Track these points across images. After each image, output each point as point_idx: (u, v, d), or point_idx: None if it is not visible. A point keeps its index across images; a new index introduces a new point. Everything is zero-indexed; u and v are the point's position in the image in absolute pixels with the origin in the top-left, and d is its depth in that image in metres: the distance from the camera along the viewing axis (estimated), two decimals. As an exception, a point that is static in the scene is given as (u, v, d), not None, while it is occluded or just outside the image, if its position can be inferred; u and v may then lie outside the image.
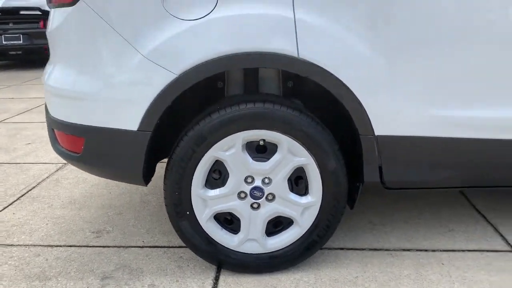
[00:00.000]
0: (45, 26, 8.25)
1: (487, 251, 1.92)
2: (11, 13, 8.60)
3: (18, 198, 2.59)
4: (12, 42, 8.46)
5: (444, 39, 1.55)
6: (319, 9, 1.52)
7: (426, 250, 1.93)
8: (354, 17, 1.52)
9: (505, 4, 1.53)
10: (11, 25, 8.52)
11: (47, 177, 2.90)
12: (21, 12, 8.54)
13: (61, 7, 1.62)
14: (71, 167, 3.03)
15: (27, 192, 2.68)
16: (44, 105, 3.04)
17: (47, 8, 8.59)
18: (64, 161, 3.11)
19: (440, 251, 1.92)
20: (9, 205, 2.50)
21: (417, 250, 1.93)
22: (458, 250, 1.92)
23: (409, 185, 1.79)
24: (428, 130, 1.64)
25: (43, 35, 8.22)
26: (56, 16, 1.68)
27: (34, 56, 8.87)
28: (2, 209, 2.44)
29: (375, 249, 1.94)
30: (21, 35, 8.45)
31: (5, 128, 4.24)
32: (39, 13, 8.45)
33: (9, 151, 3.50)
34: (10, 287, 1.74)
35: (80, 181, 2.79)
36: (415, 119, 1.62)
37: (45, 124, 3.62)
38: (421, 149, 1.67)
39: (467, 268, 1.79)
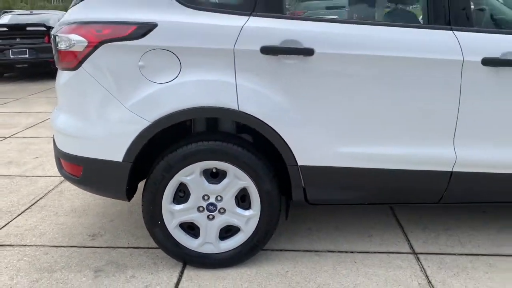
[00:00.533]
0: (49, 41, 8.84)
1: (393, 253, 2.48)
2: (18, 29, 9.23)
3: (29, 207, 3.16)
4: (19, 56, 9.07)
5: (343, 100, 2.12)
6: (252, 77, 2.09)
7: (346, 252, 2.49)
8: (275, 84, 2.10)
9: (379, 77, 2.10)
10: (18, 40, 9.13)
11: (52, 189, 3.48)
12: (28, 28, 9.16)
13: (66, 70, 2.20)
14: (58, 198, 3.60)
15: (36, 202, 3.25)
16: (49, 121, 3.60)
17: (51, 24, 9.21)
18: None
19: (357, 252, 2.49)
20: (22, 212, 3.08)
21: (339, 251, 2.50)
22: (371, 252, 2.49)
23: (327, 202, 2.37)
24: (336, 162, 2.21)
25: (48, 50, 8.83)
26: (63, 75, 2.25)
27: (40, 69, 9.47)
28: (17, 216, 3.02)
29: (307, 250, 2.51)
30: (27, 50, 9.06)
31: (15, 142, 4.82)
32: (44, 29, 9.07)
33: (20, 165, 4.08)
34: (26, 277, 2.31)
35: (80, 193, 3.36)
36: (327, 154, 2.19)
37: (51, 138, 4.17)
38: (333, 176, 2.24)
39: (372, 266, 2.35)
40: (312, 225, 2.81)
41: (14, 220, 2.97)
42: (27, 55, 9.06)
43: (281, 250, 2.53)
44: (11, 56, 9.08)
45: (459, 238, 2.62)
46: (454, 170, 2.25)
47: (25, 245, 2.64)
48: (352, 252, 2.49)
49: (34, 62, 9.11)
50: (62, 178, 3.65)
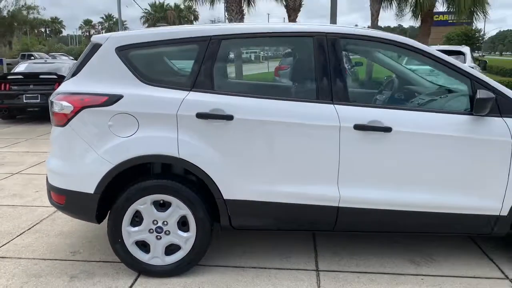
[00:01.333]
0: (59, 88, 9.82)
1: (301, 269, 3.20)
2: (32, 77, 10.30)
3: (26, 230, 3.94)
4: (31, 101, 10.09)
5: (254, 152, 2.93)
6: (190, 134, 2.91)
7: (265, 268, 3.22)
8: (206, 139, 2.92)
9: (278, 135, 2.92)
10: (31, 86, 10.18)
11: (47, 217, 4.26)
12: (40, 76, 10.23)
13: (58, 126, 3.05)
14: (50, 224, 4.38)
15: (33, 226, 4.04)
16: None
17: (62, 73, 10.28)
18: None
19: (274, 268, 3.22)
20: (20, 234, 3.86)
21: (260, 267, 3.23)
22: (284, 269, 3.22)
23: (248, 228, 3.13)
24: (251, 197, 2.98)
25: (57, 96, 9.80)
26: (56, 130, 3.10)
27: (49, 113, 10.44)
28: (16, 237, 3.80)
29: (236, 266, 3.25)
30: (39, 95, 10.08)
31: (21, 178, 5.66)
32: (55, 77, 10.10)
33: (23, 197, 4.89)
34: (19, 280, 3.07)
35: (69, 220, 4.13)
36: (244, 191, 2.98)
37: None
38: (249, 207, 3.01)
39: (281, 279, 3.07)
40: (247, 246, 3.54)
41: (14, 239, 3.75)
42: (39, 100, 10.05)
43: (215, 265, 3.26)
44: (24, 101, 10.10)
45: (356, 261, 3.33)
46: (340, 205, 3.01)
47: (20, 258, 3.41)
48: (270, 268, 3.22)
49: (44, 106, 10.07)
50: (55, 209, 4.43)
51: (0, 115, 10.55)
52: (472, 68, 9.94)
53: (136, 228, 3.05)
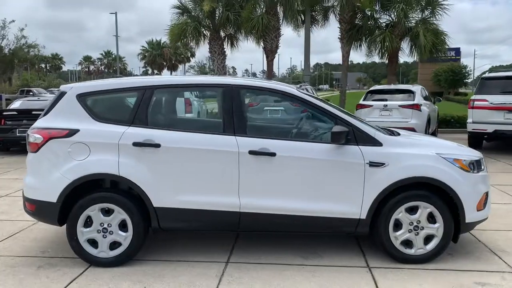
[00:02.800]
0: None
1: (212, 262, 4.19)
2: (25, 113, 11.45)
3: (7, 237, 4.93)
4: (24, 134, 11.15)
5: (176, 170, 3.98)
6: (128, 157, 3.97)
7: (185, 261, 4.20)
8: (140, 161, 3.98)
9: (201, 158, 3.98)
10: (24, 121, 11.28)
11: (25, 228, 5.25)
12: (33, 112, 11.35)
13: (32, 152, 4.11)
14: (40, 225, 5.37)
15: (13, 234, 5.03)
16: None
17: (53, 109, 11.38)
18: (35, 220, 5.45)
19: (192, 261, 4.20)
20: (2, 240, 4.84)
21: (181, 260, 4.21)
22: (201, 261, 4.20)
23: (173, 229, 4.15)
24: (175, 204, 4.01)
25: (47, 130, 10.87)
26: (30, 155, 4.15)
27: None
28: (2, 240, 4.79)
29: (164, 260, 4.23)
30: (31, 129, 11.14)
31: (8, 199, 6.67)
32: (46, 113, 11.21)
33: (8, 213, 5.89)
34: (-2, 269, 4.06)
35: (42, 230, 5.12)
36: (169, 200, 4.00)
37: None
38: (173, 213, 4.03)
39: (195, 265, 4.06)
40: (174, 246, 4.54)
41: (-3, 243, 4.74)
42: (30, 134, 11.13)
43: (149, 259, 4.25)
44: (18, 134, 11.19)
45: (259, 256, 4.32)
46: (241, 211, 4.04)
47: (0, 256, 4.39)
48: (189, 261, 4.21)
49: (35, 139, 11.15)
50: (35, 222, 5.43)
51: (-5, 147, 11.64)
52: (421, 104, 11.10)
53: (88, 229, 4.07)
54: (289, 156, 4.02)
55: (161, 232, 4.43)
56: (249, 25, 16.36)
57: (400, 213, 4.07)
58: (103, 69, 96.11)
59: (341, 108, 4.60)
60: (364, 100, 12.19)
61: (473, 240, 4.78)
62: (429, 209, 4.07)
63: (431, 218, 4.11)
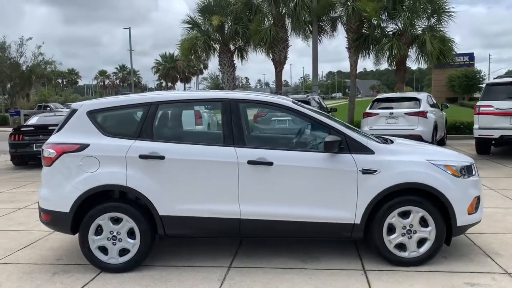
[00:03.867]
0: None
1: (214, 267, 4.42)
2: (42, 128, 11.90)
3: (25, 246, 5.24)
4: (40, 149, 11.60)
5: (180, 181, 4.25)
6: (134, 169, 4.25)
7: (190, 266, 4.44)
8: (146, 173, 4.25)
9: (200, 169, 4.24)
10: (41, 136, 11.72)
11: (42, 238, 5.56)
12: (49, 128, 11.78)
13: (46, 166, 4.42)
14: (56, 234, 5.68)
15: (30, 244, 5.33)
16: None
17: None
18: (51, 230, 5.75)
19: (197, 266, 4.44)
20: (20, 249, 5.15)
21: (187, 266, 4.45)
22: (206, 266, 4.43)
23: (178, 236, 4.41)
24: (179, 213, 4.27)
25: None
26: (45, 168, 4.46)
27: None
28: (17, 251, 5.09)
29: (171, 266, 4.48)
30: (47, 144, 11.57)
31: (26, 211, 7.01)
32: (62, 128, 11.64)
33: (26, 224, 6.22)
34: (16, 276, 4.34)
35: (58, 239, 5.43)
36: (173, 208, 4.26)
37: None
38: (178, 220, 4.29)
39: (200, 271, 4.30)
40: (180, 252, 4.79)
41: (15, 252, 5.05)
42: (47, 148, 11.56)
43: (156, 265, 4.51)
44: (35, 149, 11.63)
45: (261, 261, 4.54)
46: (241, 217, 4.28)
47: (18, 263, 4.70)
48: (194, 266, 4.45)
49: (51, 153, 11.58)
50: (50, 232, 5.74)
51: (14, 162, 12.13)
52: (427, 111, 11.18)
53: (98, 237, 4.34)
54: (286, 165, 4.25)
55: (167, 239, 4.70)
56: (257, 37, 16.71)
57: (393, 218, 4.26)
58: (118, 83, 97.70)
59: (336, 119, 4.82)
60: (370, 108, 12.37)
61: (468, 243, 4.93)
62: (421, 213, 4.25)
63: (423, 222, 4.29)
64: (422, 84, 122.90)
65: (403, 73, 17.31)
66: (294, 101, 4.73)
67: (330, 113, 14.61)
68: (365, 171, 4.22)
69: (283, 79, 19.15)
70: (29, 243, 5.39)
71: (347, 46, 17.54)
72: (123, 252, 4.38)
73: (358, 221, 4.26)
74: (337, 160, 4.25)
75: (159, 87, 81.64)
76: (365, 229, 4.31)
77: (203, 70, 75.03)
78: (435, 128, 11.95)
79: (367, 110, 12.39)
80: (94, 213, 4.31)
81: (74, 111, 4.55)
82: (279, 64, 18.13)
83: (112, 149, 4.33)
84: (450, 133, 16.09)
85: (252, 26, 16.85)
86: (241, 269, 4.36)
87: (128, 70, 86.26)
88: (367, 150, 4.30)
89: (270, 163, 4.24)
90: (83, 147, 4.34)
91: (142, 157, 4.28)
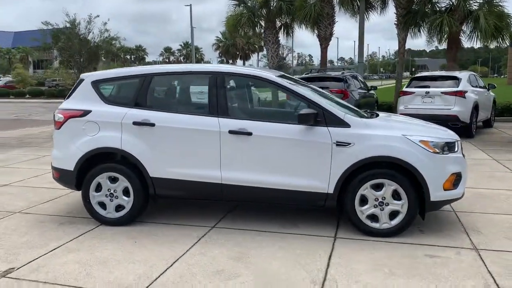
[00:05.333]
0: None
1: (201, 226, 4.81)
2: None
3: (48, 201, 5.93)
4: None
5: (168, 146, 4.64)
6: (128, 134, 4.71)
7: (182, 224, 4.87)
8: (139, 137, 4.69)
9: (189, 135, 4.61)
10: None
11: (64, 194, 6.23)
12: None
13: (56, 129, 5.00)
14: (76, 192, 6.32)
15: (54, 199, 6.02)
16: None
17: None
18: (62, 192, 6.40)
19: (188, 225, 4.86)
20: (44, 202, 5.85)
21: (181, 224, 4.89)
22: (193, 225, 4.84)
23: (167, 196, 4.84)
24: (168, 175, 4.68)
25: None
26: (55, 131, 5.04)
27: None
28: (43, 203, 5.79)
29: (163, 223, 4.93)
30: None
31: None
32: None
33: (54, 183, 6.96)
34: (31, 223, 5.01)
35: (77, 197, 6.06)
36: (163, 171, 4.69)
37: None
38: (167, 182, 4.71)
39: (189, 228, 4.72)
40: (172, 212, 5.23)
41: (37, 205, 5.75)
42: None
43: (149, 222, 4.98)
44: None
45: (245, 223, 4.87)
46: (222, 182, 4.62)
47: (37, 214, 5.37)
48: (186, 225, 4.87)
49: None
50: (72, 190, 6.40)
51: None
52: (466, 91, 10.73)
53: (98, 193, 4.88)
54: (264, 136, 4.51)
55: (166, 200, 5.15)
56: (301, 13, 16.64)
57: (365, 189, 4.41)
58: (182, 59, 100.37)
59: (323, 92, 4.97)
60: (407, 87, 12.11)
61: (453, 220, 4.95)
62: (393, 186, 4.36)
63: (396, 195, 4.39)
64: (499, 64, 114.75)
65: (455, 51, 16.50)
66: (281, 75, 4.94)
67: (370, 92, 14.44)
68: (339, 144, 4.38)
69: (339, 55, 18.87)
70: (52, 198, 6.09)
71: (396, 22, 16.99)
72: (119, 208, 4.88)
73: (331, 191, 4.45)
74: (313, 132, 4.43)
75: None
76: (339, 199, 4.49)
77: (263, 48, 74.96)
78: (475, 109, 11.49)
79: (404, 89, 12.14)
80: (94, 172, 4.84)
81: (81, 81, 5.07)
82: (324, 40, 17.96)
83: (110, 115, 4.80)
84: (502, 116, 15.32)
85: (297, 2, 16.79)
86: (221, 230, 4.72)
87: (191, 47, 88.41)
88: (343, 124, 4.44)
89: (250, 133, 4.51)
90: (86, 113, 4.86)
91: (135, 123, 4.72)
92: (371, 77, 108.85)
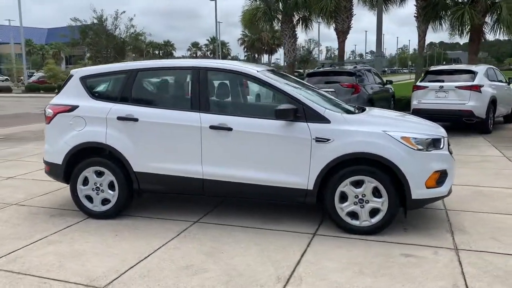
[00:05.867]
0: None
1: (184, 220, 4.85)
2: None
3: (47, 194, 6.09)
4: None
5: (151, 141, 4.69)
6: (113, 129, 4.78)
7: (162, 219, 4.92)
8: (123, 132, 4.75)
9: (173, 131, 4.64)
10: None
11: (64, 187, 6.39)
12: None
13: (46, 124, 5.12)
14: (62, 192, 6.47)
15: (52, 192, 6.19)
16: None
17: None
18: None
19: (169, 219, 4.91)
20: (43, 195, 6.02)
21: (164, 219, 4.94)
22: (176, 220, 4.89)
23: (150, 191, 4.90)
24: (150, 170, 4.73)
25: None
26: (46, 126, 5.17)
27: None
28: (41, 195, 5.96)
29: (147, 217, 5.00)
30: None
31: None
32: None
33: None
34: (23, 215, 5.16)
35: (62, 190, 6.21)
36: (146, 166, 4.74)
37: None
38: (149, 177, 4.77)
39: (172, 223, 4.76)
40: (159, 207, 5.28)
41: (35, 198, 5.91)
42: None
43: (133, 215, 5.05)
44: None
45: (224, 219, 4.88)
46: (204, 178, 4.63)
47: (32, 206, 5.53)
48: (165, 219, 4.92)
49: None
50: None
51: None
52: (482, 85, 10.35)
53: (85, 187, 4.98)
54: (244, 131, 4.49)
55: (156, 194, 5.20)
56: (317, 7, 16.45)
57: (345, 186, 4.33)
58: (208, 54, 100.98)
59: (312, 87, 4.90)
60: (421, 81, 11.82)
61: (441, 219, 4.82)
62: (374, 183, 4.27)
63: (377, 193, 4.30)
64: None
65: (477, 44, 16.02)
66: (268, 69, 4.92)
67: (386, 86, 14.18)
68: (319, 140, 4.32)
69: (369, 49, 18.58)
70: (51, 191, 6.25)
71: (416, 15, 16.60)
72: (105, 201, 4.97)
73: (311, 187, 4.40)
74: (293, 128, 4.39)
75: (247, 60, 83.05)
76: (319, 195, 4.44)
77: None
78: (493, 103, 11.12)
79: (417, 83, 11.85)
80: (81, 166, 4.94)
81: (71, 77, 5.17)
82: (341, 34, 17.73)
83: (96, 110, 4.89)
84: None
85: (313, -4, 16.62)
86: (203, 225, 4.74)
87: (219, 42, 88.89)
88: (323, 119, 4.37)
89: (230, 129, 4.50)
90: (73, 108, 4.96)
91: (119, 118, 4.78)
92: (400, 71, 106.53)
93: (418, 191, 4.24)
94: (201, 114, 4.61)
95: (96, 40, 41.30)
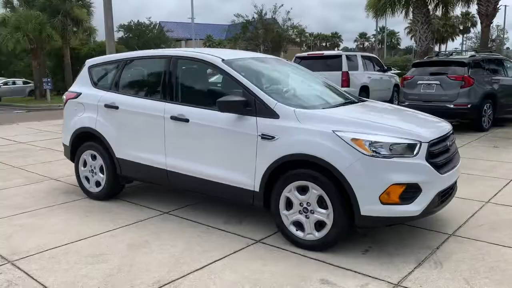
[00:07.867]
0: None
1: (167, 213, 4.85)
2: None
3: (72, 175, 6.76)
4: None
5: (130, 129, 4.80)
6: (101, 116, 5.03)
7: (156, 210, 5.01)
8: (108, 119, 4.97)
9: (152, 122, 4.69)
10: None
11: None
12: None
13: (63, 105, 5.66)
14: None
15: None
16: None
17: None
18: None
19: (166, 212, 4.97)
20: (67, 176, 6.69)
21: (157, 210, 5.03)
22: (165, 213, 4.92)
23: (131, 178, 5.04)
24: (130, 158, 4.84)
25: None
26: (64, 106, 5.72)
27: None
28: (66, 176, 6.65)
29: (141, 205, 5.14)
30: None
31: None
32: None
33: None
34: (43, 191, 5.83)
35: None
36: (127, 153, 4.87)
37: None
38: (128, 164, 4.90)
39: (164, 217, 4.83)
40: (156, 197, 5.36)
41: (62, 177, 6.60)
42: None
43: (127, 201, 5.25)
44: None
45: (195, 216, 4.71)
46: (167, 169, 4.56)
47: (57, 181, 6.20)
48: (161, 211, 4.99)
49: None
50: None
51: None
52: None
53: (84, 168, 5.37)
54: (198, 123, 4.27)
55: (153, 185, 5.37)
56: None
57: (289, 191, 3.78)
58: (377, 45, 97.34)
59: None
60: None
61: (427, 246, 3.83)
62: (318, 192, 3.62)
63: (324, 203, 3.64)
64: None
65: None
66: (250, 57, 4.77)
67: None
68: (264, 137, 3.86)
69: None
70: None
71: None
72: (98, 184, 5.28)
73: (257, 189, 3.96)
74: (242, 122, 4.00)
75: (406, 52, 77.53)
76: (266, 199, 3.96)
77: (471, 29, 68.20)
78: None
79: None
80: (82, 149, 5.34)
81: (84, 66, 5.60)
82: (485, 18, 15.17)
83: (91, 97, 5.21)
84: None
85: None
86: (169, 216, 4.68)
87: (387, 31, 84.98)
88: (272, 114, 3.87)
89: (187, 120, 4.33)
90: (78, 95, 5.37)
91: (106, 106, 5.01)
92: None
93: (368, 207, 3.45)
94: (166, 104, 4.53)
95: (255, 34, 43.56)
